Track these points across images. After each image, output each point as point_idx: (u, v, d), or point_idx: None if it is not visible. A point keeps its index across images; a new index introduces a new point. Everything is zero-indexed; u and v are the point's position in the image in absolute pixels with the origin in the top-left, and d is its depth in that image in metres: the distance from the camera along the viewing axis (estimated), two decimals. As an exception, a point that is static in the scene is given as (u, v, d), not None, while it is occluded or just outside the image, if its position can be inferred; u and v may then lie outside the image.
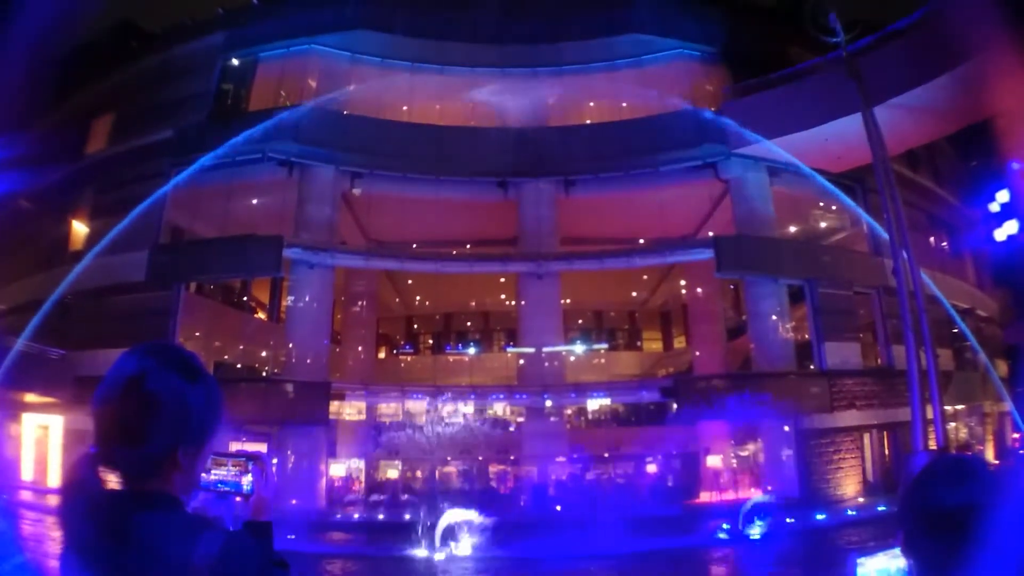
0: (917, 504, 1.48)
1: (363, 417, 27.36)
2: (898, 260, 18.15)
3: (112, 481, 1.49)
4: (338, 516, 22.69)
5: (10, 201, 23.27)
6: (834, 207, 28.65)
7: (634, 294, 37.03)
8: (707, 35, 27.65)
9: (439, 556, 15.99)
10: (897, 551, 1.73)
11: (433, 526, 16.55)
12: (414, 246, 30.35)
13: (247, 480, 1.85)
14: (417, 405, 27.04)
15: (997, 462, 27.31)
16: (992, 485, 1.43)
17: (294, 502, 21.20)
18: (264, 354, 30.41)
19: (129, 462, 1.50)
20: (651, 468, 25.83)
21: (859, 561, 1.81)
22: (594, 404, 29.12)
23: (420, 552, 16.27)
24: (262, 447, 23.08)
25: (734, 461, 26.07)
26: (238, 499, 1.88)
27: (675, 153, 25.61)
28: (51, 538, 14.75)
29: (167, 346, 1.62)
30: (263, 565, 1.58)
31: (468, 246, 30.36)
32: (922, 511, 1.46)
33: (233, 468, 1.86)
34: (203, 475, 1.82)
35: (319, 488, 23.47)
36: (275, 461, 22.93)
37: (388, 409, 28.38)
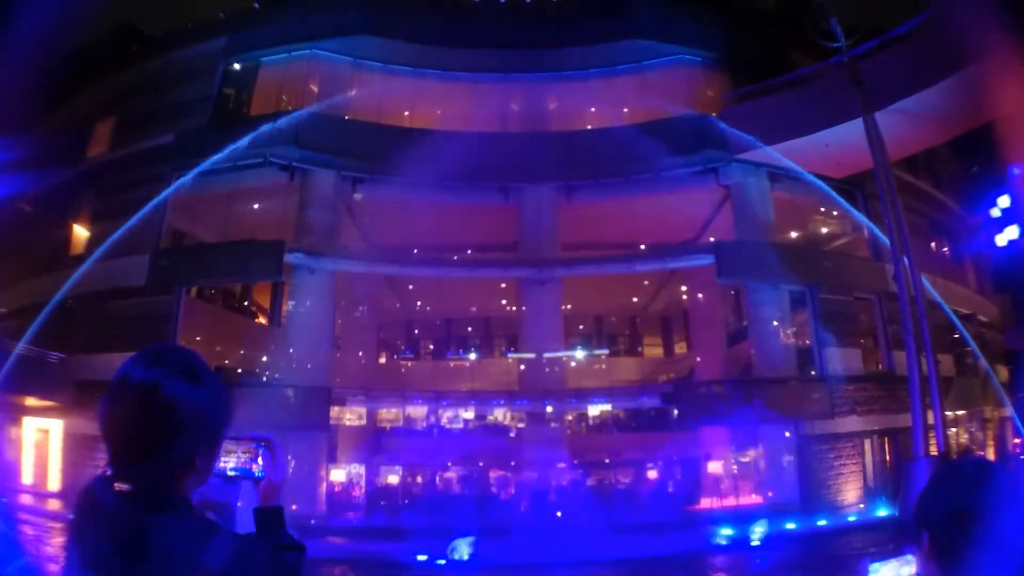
0: (945, 507, 1.46)
1: (363, 422, 27.31)
2: (899, 266, 18.15)
3: (126, 489, 1.47)
4: (338, 521, 22.65)
5: (11, 204, 23.29)
6: (835, 213, 28.65)
7: (635, 299, 36.96)
8: (708, 40, 27.69)
9: (440, 562, 15.94)
10: (909, 557, 1.71)
11: (434, 531, 16.52)
12: (415, 251, 30.32)
13: (258, 465, 1.84)
14: (418, 410, 27.00)
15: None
16: (1013, 486, 1.43)
17: (294, 507, 21.14)
18: (265, 359, 30.37)
19: (147, 475, 1.47)
20: (652, 474, 25.77)
21: (872, 567, 1.79)
22: (595, 410, 29.03)
23: (420, 557, 16.23)
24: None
25: (735, 467, 26.00)
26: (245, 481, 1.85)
27: (676, 159, 25.55)
28: (52, 541, 14.73)
29: (170, 350, 1.61)
30: (274, 569, 1.57)
31: (469, 251, 30.34)
32: (950, 513, 1.44)
33: (244, 455, 1.84)
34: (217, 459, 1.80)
35: (319, 493, 23.42)
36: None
37: (389, 414, 28.33)
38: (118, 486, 1.47)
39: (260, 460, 1.84)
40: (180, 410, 1.48)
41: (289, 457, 22.40)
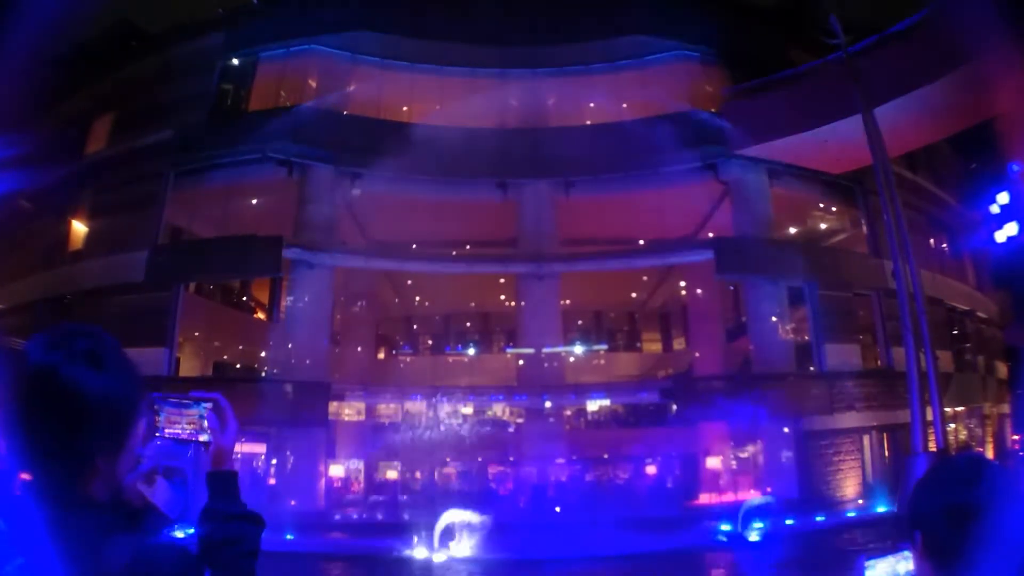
0: (938, 505, 1.44)
1: (362, 418, 27.33)
2: (898, 262, 18.18)
3: (26, 481, 1.36)
4: (337, 516, 22.69)
5: (10, 200, 23.26)
6: (834, 208, 28.64)
7: (634, 295, 36.98)
8: (707, 36, 27.60)
9: (438, 557, 15.96)
10: (906, 553, 1.70)
11: (432, 527, 16.51)
12: (414, 246, 30.31)
13: (205, 429, 1.72)
14: (416, 406, 27.02)
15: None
16: (1007, 482, 1.41)
17: (293, 503, 21.17)
18: (263, 354, 30.39)
19: (45, 470, 1.35)
20: (651, 469, 25.81)
21: (867, 564, 1.78)
22: (594, 405, 29.09)
23: (419, 553, 16.24)
24: (261, 447, 23.10)
25: (734, 463, 26.05)
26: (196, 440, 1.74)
27: (675, 154, 25.48)
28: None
29: (76, 332, 1.45)
30: (180, 573, 1.45)
31: (468, 247, 30.33)
32: (944, 511, 1.42)
33: (188, 426, 1.72)
34: (162, 430, 1.70)
35: (318, 489, 23.45)
36: (274, 462, 22.94)
37: (387, 410, 28.35)
38: (20, 477, 1.36)
39: (206, 424, 1.72)
40: (77, 402, 1.35)
41: (288, 453, 22.58)
